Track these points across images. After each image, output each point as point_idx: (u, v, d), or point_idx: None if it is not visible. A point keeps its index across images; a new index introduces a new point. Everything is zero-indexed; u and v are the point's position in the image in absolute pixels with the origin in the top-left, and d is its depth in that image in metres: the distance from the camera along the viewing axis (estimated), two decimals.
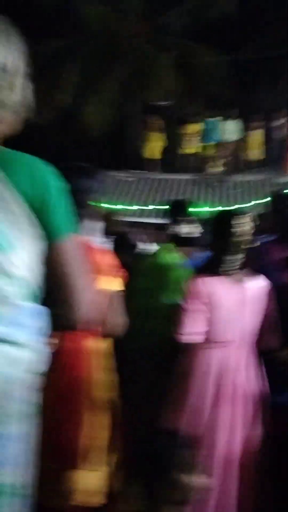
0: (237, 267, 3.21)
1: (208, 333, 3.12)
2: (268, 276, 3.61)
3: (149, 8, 20.02)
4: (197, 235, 4.05)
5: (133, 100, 20.45)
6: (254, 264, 3.65)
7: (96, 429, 2.64)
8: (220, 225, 3.22)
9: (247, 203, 15.14)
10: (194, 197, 15.87)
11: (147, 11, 20.14)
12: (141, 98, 20.15)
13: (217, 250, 3.23)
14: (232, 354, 3.18)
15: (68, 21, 18.96)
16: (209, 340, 3.13)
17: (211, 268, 3.21)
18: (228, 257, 3.18)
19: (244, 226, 3.17)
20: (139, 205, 15.32)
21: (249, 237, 3.20)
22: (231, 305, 3.14)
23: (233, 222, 3.16)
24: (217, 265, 3.21)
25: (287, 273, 3.59)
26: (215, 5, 19.75)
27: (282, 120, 17.10)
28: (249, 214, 3.31)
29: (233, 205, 15.08)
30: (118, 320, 2.67)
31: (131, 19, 20.29)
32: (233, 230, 3.14)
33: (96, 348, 2.68)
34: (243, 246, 3.17)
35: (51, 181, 1.45)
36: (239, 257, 3.18)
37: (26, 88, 1.45)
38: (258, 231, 6.58)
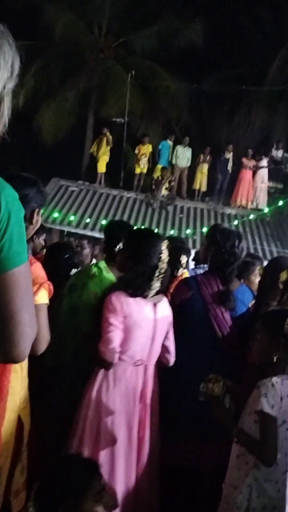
0: (155, 290, 3.18)
1: (122, 351, 3.09)
2: (198, 307, 3.63)
3: (117, 24, 20.20)
4: None
5: (89, 113, 20.51)
6: (185, 294, 3.67)
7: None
8: (144, 248, 3.18)
9: (187, 229, 15.33)
10: (137, 216, 15.95)
11: (115, 27, 20.29)
12: (96, 112, 20.22)
13: (138, 271, 3.16)
14: (141, 373, 3.19)
15: (35, 23, 18.87)
16: (122, 358, 3.11)
17: (131, 288, 3.18)
18: (149, 281, 3.15)
19: (165, 252, 3.15)
20: (90, 218, 15.23)
21: (166, 264, 3.19)
22: (144, 326, 3.14)
23: (157, 246, 3.15)
24: (137, 286, 3.15)
25: (218, 306, 3.61)
26: (182, 32, 20.12)
27: (229, 155, 17.46)
28: (165, 241, 3.26)
29: (173, 230, 15.24)
30: (42, 335, 2.53)
31: (98, 33, 20.39)
32: (158, 254, 3.13)
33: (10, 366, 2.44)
34: (163, 271, 3.16)
35: (13, 208, 1.32)
36: (158, 282, 3.16)
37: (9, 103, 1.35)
38: (195, 260, 6.65)
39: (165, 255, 3.19)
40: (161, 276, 3.18)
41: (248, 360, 3.37)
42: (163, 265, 3.17)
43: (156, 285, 3.18)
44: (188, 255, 5.28)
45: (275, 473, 2.69)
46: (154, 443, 3.26)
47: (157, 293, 3.22)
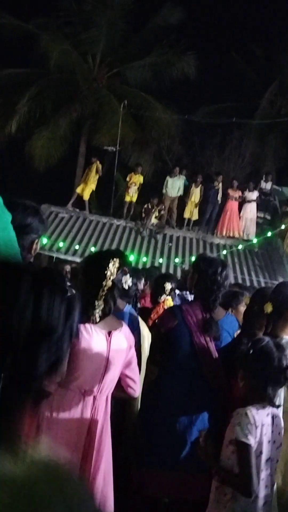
0: (99, 310, 2.98)
1: (68, 380, 2.88)
2: (183, 336, 3.63)
3: (111, 55, 20.52)
4: (126, 285, 4.02)
5: (81, 141, 20.69)
6: (170, 323, 3.69)
7: None
8: (92, 267, 3.08)
9: (176, 258, 15.38)
10: (126, 244, 15.98)
11: (109, 58, 20.61)
12: (88, 140, 20.41)
13: (86, 293, 2.97)
14: (90, 404, 2.97)
15: (30, 52, 19.15)
16: (69, 388, 2.92)
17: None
18: (95, 302, 2.98)
19: (110, 269, 3.00)
20: (79, 245, 15.23)
21: (112, 281, 3.01)
22: (94, 356, 2.92)
23: (104, 264, 3.00)
24: (84, 311, 2.94)
25: (202, 335, 3.61)
26: (175, 64, 20.47)
27: (219, 185, 17.63)
28: (116, 259, 3.07)
29: (161, 259, 15.27)
30: None
31: (93, 62, 20.70)
32: (104, 272, 2.98)
33: None
34: (106, 289, 2.98)
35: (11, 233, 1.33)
36: (102, 300, 2.99)
37: None
38: (181, 288, 6.68)
39: (110, 272, 3.00)
40: (105, 294, 2.99)
41: (234, 392, 3.37)
42: (108, 282, 2.99)
43: (100, 303, 2.98)
44: (173, 282, 5.33)
45: (254, 505, 2.66)
46: (104, 476, 3.00)
47: (104, 314, 3.01)
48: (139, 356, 3.70)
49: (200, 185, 17.58)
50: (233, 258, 16.04)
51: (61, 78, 19.51)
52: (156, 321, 4.21)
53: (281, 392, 3.10)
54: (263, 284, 13.73)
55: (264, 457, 2.68)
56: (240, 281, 13.29)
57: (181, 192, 17.65)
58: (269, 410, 2.75)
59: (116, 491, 3.04)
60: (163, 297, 5.02)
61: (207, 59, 20.73)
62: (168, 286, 5.12)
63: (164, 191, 17.51)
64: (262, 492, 2.67)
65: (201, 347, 3.60)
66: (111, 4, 19.97)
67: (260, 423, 2.68)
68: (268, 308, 3.42)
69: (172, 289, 5.15)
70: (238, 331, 3.88)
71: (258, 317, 3.64)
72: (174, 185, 17.60)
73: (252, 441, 2.63)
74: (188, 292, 5.60)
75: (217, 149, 21.65)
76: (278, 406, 2.81)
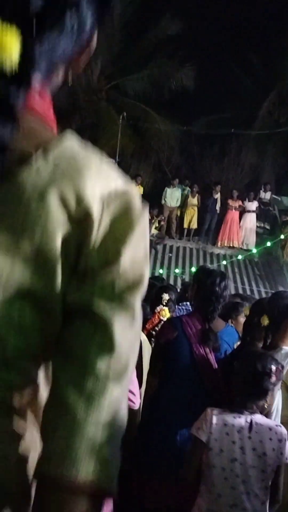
0: None
1: None
2: (183, 347, 3.65)
3: (110, 67, 20.64)
4: None
5: None
6: (169, 335, 3.70)
7: None
8: None
9: (176, 268, 15.40)
10: None
11: (108, 70, 20.73)
12: None
13: None
14: None
15: None
16: None
17: None
18: None
19: None
20: None
21: None
22: None
23: None
24: None
25: (202, 346, 3.63)
26: (174, 76, 20.60)
27: (217, 195, 17.69)
28: None
29: (162, 269, 15.29)
30: None
31: (92, 75, 20.81)
32: None
33: None
34: None
35: None
36: None
37: None
38: (181, 299, 6.69)
39: None
40: None
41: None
42: None
43: None
44: (171, 293, 5.37)
45: (217, 504, 2.69)
46: None
47: None
48: (140, 368, 3.72)
49: (197, 195, 17.65)
50: (233, 268, 16.06)
51: (60, 91, 19.57)
52: (155, 332, 4.24)
53: (279, 402, 3.11)
54: (263, 294, 13.75)
55: (238, 462, 2.69)
56: (240, 291, 13.31)
57: (180, 203, 17.72)
58: (247, 417, 2.76)
59: (117, 504, 3.06)
60: (160, 307, 5.05)
61: (206, 70, 20.86)
62: (166, 296, 5.15)
63: (163, 201, 17.57)
64: (226, 491, 2.68)
65: (200, 359, 3.61)
66: (110, 17, 20.10)
67: (219, 424, 2.73)
68: (265, 321, 3.45)
69: (169, 300, 5.18)
70: (238, 343, 3.90)
71: (258, 328, 3.66)
72: (173, 196, 17.67)
73: (203, 436, 2.73)
74: (188, 303, 5.64)
75: (216, 159, 21.74)
76: (252, 413, 2.80)
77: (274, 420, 3.02)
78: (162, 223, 17.21)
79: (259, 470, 2.69)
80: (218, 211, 17.63)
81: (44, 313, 0.98)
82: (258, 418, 2.78)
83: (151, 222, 16.79)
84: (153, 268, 15.36)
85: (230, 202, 17.50)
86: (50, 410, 0.99)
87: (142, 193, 17.52)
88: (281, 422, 3.02)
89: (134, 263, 1.01)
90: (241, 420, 2.75)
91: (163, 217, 17.22)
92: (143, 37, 21.01)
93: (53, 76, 1.05)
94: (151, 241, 16.72)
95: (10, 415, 1.00)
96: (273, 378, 2.81)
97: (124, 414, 1.01)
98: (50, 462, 0.94)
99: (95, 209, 0.95)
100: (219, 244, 17.53)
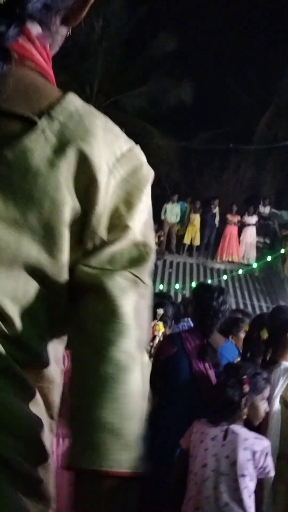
0: None
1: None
2: (183, 363, 3.62)
3: (109, 84, 20.80)
4: None
5: None
6: (169, 351, 3.68)
7: None
8: None
9: (176, 284, 15.38)
10: None
11: (106, 87, 20.88)
12: None
13: None
14: None
15: None
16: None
17: None
18: None
19: None
20: None
21: None
22: None
23: None
24: None
25: (202, 362, 3.61)
26: (172, 92, 20.74)
27: (215, 209, 17.73)
28: None
29: (162, 285, 15.27)
30: None
31: (90, 92, 20.96)
32: None
33: None
34: None
35: None
36: None
37: None
38: (178, 314, 6.68)
39: None
40: None
41: None
42: None
43: None
44: (167, 308, 5.40)
45: (188, 507, 2.80)
46: None
47: None
48: None
49: (199, 211, 17.70)
50: (233, 283, 16.03)
51: None
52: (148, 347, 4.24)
53: (278, 418, 3.08)
54: (264, 309, 13.71)
55: (208, 468, 2.76)
56: (241, 306, 13.28)
57: (180, 218, 17.75)
58: (223, 426, 2.82)
59: None
60: (153, 322, 5.09)
61: (203, 85, 20.99)
62: (160, 311, 5.20)
63: (162, 217, 17.60)
64: (193, 495, 2.79)
65: (200, 374, 3.59)
66: (107, 35, 20.31)
67: (199, 433, 2.86)
68: (264, 334, 3.43)
69: (164, 315, 5.21)
70: (238, 358, 3.87)
71: (258, 343, 3.64)
72: (173, 211, 17.71)
73: (184, 444, 2.97)
74: (190, 319, 5.65)
75: (215, 174, 21.81)
76: (231, 423, 2.84)
77: (273, 436, 3.00)
78: (161, 238, 17.22)
79: (230, 478, 2.70)
80: (217, 226, 17.64)
81: (50, 288, 0.93)
82: (237, 428, 2.81)
83: None
84: (153, 284, 15.31)
85: (229, 216, 17.52)
86: (73, 390, 0.94)
87: None
88: (281, 438, 3.00)
89: (144, 231, 0.97)
90: (217, 429, 2.82)
91: (162, 233, 17.23)
92: (140, 54, 21.20)
93: (50, 24, 1.00)
94: None
95: (20, 382, 0.93)
96: (246, 388, 2.83)
97: (145, 389, 0.96)
98: (79, 455, 0.90)
99: (102, 176, 0.91)
100: (218, 259, 17.52)
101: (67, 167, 0.88)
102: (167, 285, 15.33)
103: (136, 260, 0.95)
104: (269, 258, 16.06)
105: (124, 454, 0.89)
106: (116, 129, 0.98)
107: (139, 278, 0.95)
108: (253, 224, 17.60)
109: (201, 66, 21.82)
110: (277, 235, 17.94)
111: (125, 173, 0.94)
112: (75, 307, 0.95)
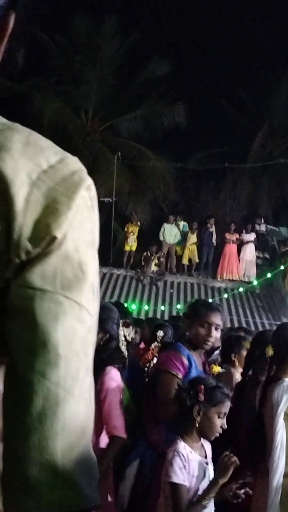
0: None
1: None
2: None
3: (103, 109, 21.02)
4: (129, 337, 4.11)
5: None
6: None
7: None
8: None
9: (178, 304, 15.38)
10: (127, 292, 16.01)
11: (101, 112, 21.10)
12: None
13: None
14: None
15: (24, 111, 19.60)
16: None
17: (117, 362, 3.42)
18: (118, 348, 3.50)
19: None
20: None
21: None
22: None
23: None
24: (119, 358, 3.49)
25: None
26: (166, 115, 20.97)
27: (212, 228, 17.80)
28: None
29: (163, 306, 15.28)
30: None
31: (85, 118, 21.18)
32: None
33: None
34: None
35: None
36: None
37: None
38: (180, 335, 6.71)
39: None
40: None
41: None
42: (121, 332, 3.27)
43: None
44: (167, 330, 5.48)
45: None
46: None
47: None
48: None
49: (196, 231, 17.78)
50: (235, 301, 16.04)
51: (55, 135, 19.90)
52: (147, 369, 4.34)
53: (283, 435, 3.09)
54: (267, 326, 13.72)
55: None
56: (244, 323, 13.26)
57: (178, 238, 17.81)
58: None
59: None
60: (154, 344, 5.16)
61: (197, 107, 21.26)
62: (160, 333, 5.30)
63: (161, 238, 17.67)
64: None
65: None
66: (100, 61, 20.60)
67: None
68: (269, 351, 3.44)
69: (164, 337, 5.29)
70: None
71: (260, 361, 3.66)
72: (172, 232, 17.78)
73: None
74: None
75: (212, 194, 21.92)
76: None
77: (278, 452, 3.01)
78: (161, 259, 17.26)
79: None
80: (214, 244, 17.72)
81: None
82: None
83: (150, 259, 16.84)
84: (155, 305, 15.34)
85: (227, 235, 17.59)
86: (5, 426, 0.85)
87: (139, 230, 17.66)
88: None
89: (78, 247, 0.86)
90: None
91: (162, 253, 17.28)
92: (134, 79, 21.47)
93: None
94: (151, 278, 16.75)
95: None
96: (200, 397, 2.85)
97: (82, 423, 0.85)
98: (19, 497, 0.81)
99: (19, 188, 0.81)
100: (219, 277, 17.55)
101: None
102: (169, 306, 15.34)
103: (70, 281, 0.84)
104: (269, 275, 16.09)
105: (64, 492, 0.81)
106: (44, 142, 0.88)
107: (75, 301, 0.85)
108: (252, 241, 17.67)
109: (194, 88, 22.16)
110: (276, 252, 17.99)
111: (52, 182, 0.84)
112: (6, 332, 0.85)
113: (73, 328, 0.84)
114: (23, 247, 0.82)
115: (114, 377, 3.24)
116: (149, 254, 16.98)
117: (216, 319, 3.54)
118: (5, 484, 0.82)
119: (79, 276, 0.85)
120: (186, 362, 3.45)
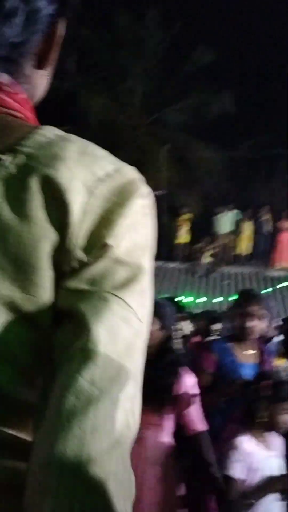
0: None
1: None
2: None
3: (149, 102, 20.97)
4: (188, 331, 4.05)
5: None
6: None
7: None
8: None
9: (233, 295, 15.18)
10: (184, 285, 15.95)
11: (147, 105, 21.06)
12: None
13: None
14: None
15: (71, 110, 19.78)
16: None
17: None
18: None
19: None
20: None
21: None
22: None
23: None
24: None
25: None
26: (213, 103, 20.73)
27: (267, 216, 17.52)
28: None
29: (220, 297, 15.14)
30: None
31: (131, 112, 21.18)
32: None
33: None
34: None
35: None
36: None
37: None
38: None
39: None
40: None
41: None
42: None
43: None
44: (224, 322, 5.33)
45: None
46: None
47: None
48: None
49: (249, 220, 17.57)
50: None
51: (102, 131, 20.01)
52: None
53: None
54: None
55: None
56: None
57: (233, 228, 17.63)
58: None
59: None
60: (213, 337, 5.02)
61: (245, 92, 20.98)
62: (216, 327, 5.13)
63: (216, 229, 17.52)
64: None
65: None
66: (144, 54, 20.54)
67: None
68: None
69: (222, 329, 5.15)
70: None
71: None
72: (226, 222, 17.61)
73: None
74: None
75: (264, 181, 21.59)
76: None
77: None
78: (216, 250, 17.12)
79: None
80: (269, 232, 17.44)
81: (33, 329, 0.85)
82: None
83: (204, 251, 16.72)
84: (211, 297, 15.22)
85: (281, 223, 17.28)
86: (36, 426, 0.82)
87: (191, 222, 17.55)
88: None
89: (131, 251, 0.85)
90: None
91: (216, 244, 17.14)
92: (179, 69, 21.31)
93: (18, 72, 0.94)
94: (206, 270, 16.62)
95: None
96: (267, 391, 2.84)
97: (118, 432, 0.79)
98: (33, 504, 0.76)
99: (76, 196, 0.83)
100: (274, 266, 17.27)
101: (32, 198, 0.82)
102: (225, 297, 15.19)
103: (120, 282, 0.84)
104: None
105: (89, 497, 0.75)
106: (100, 152, 0.89)
107: (123, 300, 0.83)
108: None
109: (241, 75, 21.81)
110: None
111: (108, 192, 0.85)
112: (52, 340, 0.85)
113: (118, 327, 0.82)
114: (77, 257, 0.83)
115: (189, 379, 3.17)
116: (202, 246, 16.87)
117: (252, 308, 3.50)
118: (28, 484, 0.77)
119: (130, 278, 0.84)
120: (215, 357, 3.47)
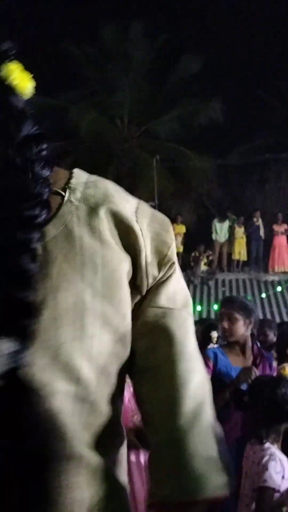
0: None
1: None
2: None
3: (139, 114, 21.02)
4: None
5: None
6: None
7: None
8: None
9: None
10: None
11: (137, 117, 21.11)
12: None
13: None
14: None
15: (61, 125, 19.82)
16: None
17: None
18: None
19: None
20: None
21: None
22: None
23: None
24: None
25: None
26: (202, 112, 20.78)
27: (258, 221, 17.57)
28: None
29: (216, 305, 15.13)
30: None
31: (121, 124, 21.24)
32: None
33: None
34: None
35: None
36: None
37: None
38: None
39: None
40: None
41: None
42: None
43: None
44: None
45: None
46: None
47: None
48: None
49: (243, 225, 17.61)
50: None
51: (93, 145, 20.06)
52: None
53: None
54: None
55: None
56: None
57: (227, 235, 17.66)
58: None
59: None
60: (210, 345, 5.02)
61: (233, 100, 20.99)
62: (215, 334, 5.13)
63: (213, 237, 17.55)
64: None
65: None
66: (131, 67, 20.63)
67: None
68: None
69: (219, 337, 5.13)
70: None
71: None
72: (222, 229, 17.64)
73: None
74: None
75: (256, 187, 21.63)
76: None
77: None
78: (211, 258, 17.13)
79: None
80: (263, 238, 17.47)
81: (119, 341, 0.98)
82: None
83: (199, 259, 16.73)
84: (208, 305, 15.22)
85: (275, 227, 17.34)
86: (154, 429, 1.00)
87: (184, 231, 17.57)
88: None
89: (180, 271, 1.08)
90: None
91: (210, 252, 17.15)
92: (166, 80, 21.37)
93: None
94: (202, 278, 16.63)
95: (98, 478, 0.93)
96: None
97: (218, 427, 1.03)
98: (177, 489, 0.95)
99: (133, 223, 0.99)
100: (271, 270, 17.29)
101: (104, 226, 0.96)
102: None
103: (184, 300, 1.05)
104: None
105: (220, 479, 0.97)
106: (120, 188, 1.07)
107: (191, 316, 1.06)
108: None
109: (229, 82, 21.87)
110: None
111: (144, 218, 1.02)
112: (137, 350, 1.01)
113: (194, 338, 1.05)
114: (150, 273, 1.00)
115: None
116: (197, 254, 16.89)
117: (223, 310, 3.73)
118: (164, 477, 0.97)
119: (186, 294, 1.07)
120: (209, 362, 3.57)
